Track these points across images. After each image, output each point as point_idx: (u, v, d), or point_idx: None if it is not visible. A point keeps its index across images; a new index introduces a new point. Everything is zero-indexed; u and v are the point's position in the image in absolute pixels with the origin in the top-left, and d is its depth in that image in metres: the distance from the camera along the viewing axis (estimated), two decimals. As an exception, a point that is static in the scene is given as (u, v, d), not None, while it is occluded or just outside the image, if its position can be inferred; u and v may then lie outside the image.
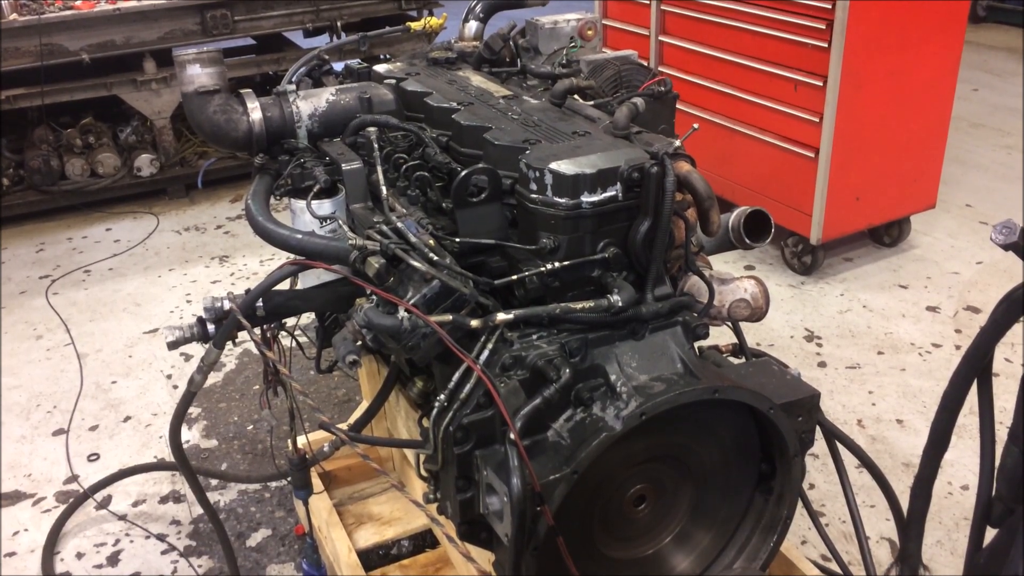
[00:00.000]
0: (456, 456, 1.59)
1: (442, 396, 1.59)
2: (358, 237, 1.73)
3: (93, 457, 3.25)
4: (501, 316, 1.60)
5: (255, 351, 3.76)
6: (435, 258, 1.64)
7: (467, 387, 1.58)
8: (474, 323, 1.59)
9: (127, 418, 3.46)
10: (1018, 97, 6.56)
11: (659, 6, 4.62)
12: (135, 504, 3.03)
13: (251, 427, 3.38)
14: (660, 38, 4.68)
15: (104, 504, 3.02)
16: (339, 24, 5.41)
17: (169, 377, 3.70)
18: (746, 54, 4.19)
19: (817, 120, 3.89)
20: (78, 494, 3.04)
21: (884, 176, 4.13)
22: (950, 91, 4.16)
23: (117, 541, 2.87)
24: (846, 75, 3.75)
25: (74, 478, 3.15)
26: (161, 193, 5.46)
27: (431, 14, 5.61)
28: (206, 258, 4.72)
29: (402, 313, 1.57)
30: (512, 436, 1.50)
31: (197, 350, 3.63)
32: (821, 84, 3.82)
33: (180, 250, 4.82)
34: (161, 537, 2.87)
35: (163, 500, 3.03)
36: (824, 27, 3.73)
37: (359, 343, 1.67)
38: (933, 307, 3.98)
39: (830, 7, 3.68)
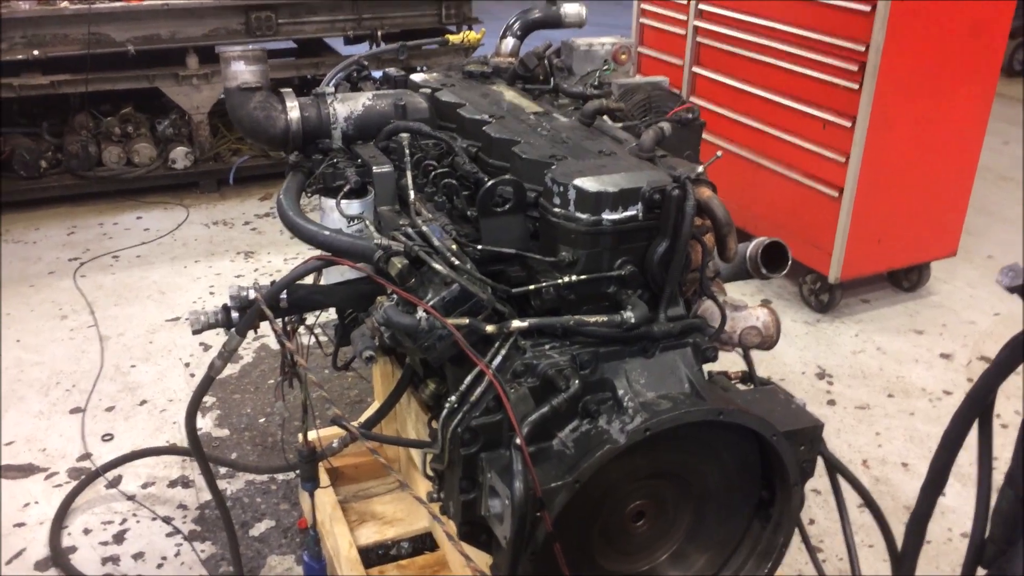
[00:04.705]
0: (462, 457, 1.63)
1: (453, 398, 1.63)
2: (383, 237, 1.78)
3: (107, 437, 3.32)
4: (516, 324, 1.64)
5: (272, 346, 3.83)
6: (457, 263, 1.69)
7: (478, 390, 1.61)
8: (489, 328, 1.63)
9: (143, 402, 3.53)
10: (1049, 152, 6.53)
11: (695, 38, 4.68)
12: (144, 486, 3.08)
13: (263, 420, 3.43)
14: (693, 69, 4.73)
15: (114, 483, 3.08)
16: (379, 33, 5.51)
17: (187, 365, 3.77)
18: (777, 90, 4.22)
19: (843, 160, 3.92)
20: (90, 472, 3.10)
21: (907, 220, 4.14)
22: (978, 140, 4.16)
23: (124, 520, 2.92)
24: (875, 117, 3.78)
25: (87, 456, 3.21)
26: (193, 186, 5.56)
27: (470, 29, 5.68)
28: (232, 252, 4.80)
29: (420, 313, 1.62)
30: (518, 441, 1.53)
31: (216, 341, 3.70)
32: (850, 124, 3.85)
33: (207, 243, 4.91)
34: (167, 520, 2.92)
35: (172, 484, 3.09)
36: (856, 69, 3.76)
37: (376, 340, 1.71)
38: (947, 354, 3.98)
39: (863, 50, 3.71)
